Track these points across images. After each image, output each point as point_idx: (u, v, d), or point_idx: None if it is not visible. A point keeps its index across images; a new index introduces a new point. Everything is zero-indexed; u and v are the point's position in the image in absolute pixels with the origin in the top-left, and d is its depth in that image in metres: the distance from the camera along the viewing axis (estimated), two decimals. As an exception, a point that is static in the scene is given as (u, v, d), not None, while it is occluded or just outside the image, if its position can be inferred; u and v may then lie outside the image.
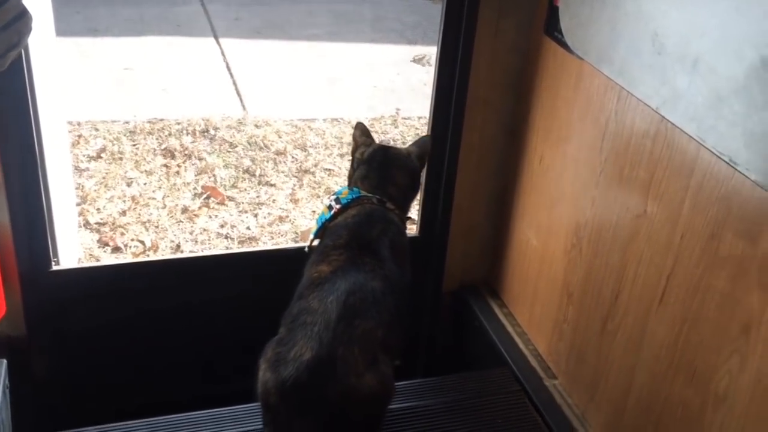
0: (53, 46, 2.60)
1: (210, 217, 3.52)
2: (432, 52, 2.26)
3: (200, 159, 3.93)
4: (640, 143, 1.70)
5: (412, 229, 2.39)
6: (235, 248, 3.32)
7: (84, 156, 3.87)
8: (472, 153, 2.25)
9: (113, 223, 3.40)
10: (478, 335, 2.37)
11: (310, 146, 4.16)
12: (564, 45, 1.90)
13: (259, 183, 3.80)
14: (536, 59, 2.11)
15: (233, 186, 3.75)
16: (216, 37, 5.42)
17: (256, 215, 3.56)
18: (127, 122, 4.21)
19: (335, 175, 3.92)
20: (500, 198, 2.35)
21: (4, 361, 1.97)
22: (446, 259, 2.40)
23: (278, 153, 4.06)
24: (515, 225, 2.31)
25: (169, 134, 4.13)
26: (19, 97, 1.89)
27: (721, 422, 1.50)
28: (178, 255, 3.24)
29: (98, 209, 3.49)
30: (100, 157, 3.88)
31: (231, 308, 2.32)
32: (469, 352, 2.48)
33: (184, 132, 4.15)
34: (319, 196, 3.72)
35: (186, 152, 3.97)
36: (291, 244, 3.15)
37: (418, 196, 2.11)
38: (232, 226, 3.47)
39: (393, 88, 4.99)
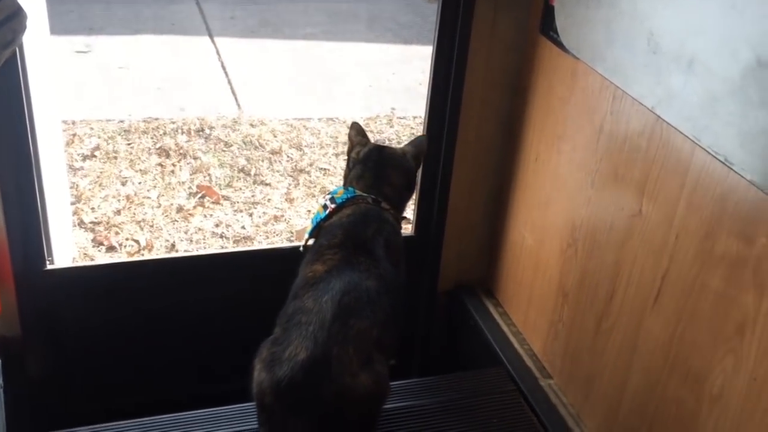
0: (47, 44, 2.59)
1: (205, 216, 3.51)
2: (427, 51, 2.25)
3: (195, 158, 3.93)
4: (635, 143, 1.70)
5: (407, 229, 2.39)
6: (230, 248, 3.31)
7: (78, 155, 3.86)
8: (467, 152, 2.25)
9: (108, 223, 3.40)
10: (474, 335, 2.36)
11: (305, 145, 4.15)
12: (559, 44, 1.90)
13: (255, 182, 3.79)
14: (532, 58, 2.11)
15: (228, 185, 3.75)
16: (211, 36, 5.41)
17: (251, 214, 3.55)
18: (121, 121, 4.20)
19: (330, 174, 3.92)
20: (496, 197, 2.35)
21: (-1, 360, 1.97)
22: (441, 258, 2.40)
23: (273, 152, 4.05)
24: (511, 224, 2.31)
25: (164, 133, 4.12)
26: (13, 95, 1.89)
27: (715, 422, 1.50)
28: (173, 254, 3.23)
29: (93, 208, 3.48)
30: (95, 156, 3.87)
31: (226, 308, 2.32)
32: (465, 351, 2.47)
33: (179, 131, 4.14)
34: (314, 196, 3.72)
35: (181, 151, 3.97)
36: (286, 244, 3.15)
37: (414, 196, 2.11)
38: (227, 226, 3.46)
39: (388, 88, 4.99)
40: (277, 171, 3.90)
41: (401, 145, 2.05)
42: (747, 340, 1.41)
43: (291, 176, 3.87)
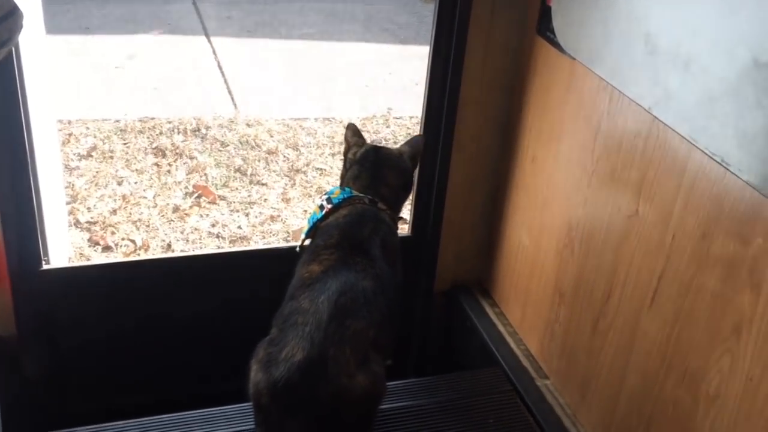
0: (43, 43, 2.59)
1: (201, 216, 3.51)
2: (424, 51, 2.25)
3: (191, 158, 3.92)
4: (632, 143, 1.70)
5: (404, 229, 2.39)
6: (227, 248, 3.31)
7: (74, 154, 3.85)
8: (464, 152, 2.25)
9: (104, 222, 3.39)
10: (470, 335, 2.36)
11: (301, 145, 4.15)
12: (556, 45, 1.90)
13: (251, 182, 3.79)
14: (528, 59, 2.11)
15: (224, 185, 3.74)
16: (207, 36, 5.40)
17: (247, 214, 3.55)
18: (117, 121, 4.19)
19: (327, 174, 3.92)
20: (492, 198, 2.35)
21: (-6, 360, 1.97)
22: (438, 258, 2.40)
23: (270, 152, 4.05)
24: (507, 225, 2.31)
25: (160, 133, 4.11)
26: (9, 95, 1.88)
27: (712, 422, 1.51)
28: (169, 254, 3.23)
29: (89, 208, 3.47)
30: (91, 156, 3.87)
31: (222, 308, 2.31)
32: (461, 351, 2.47)
33: (176, 131, 4.14)
34: (310, 196, 3.72)
35: (177, 151, 3.96)
36: (282, 244, 3.15)
37: (410, 196, 2.11)
38: (224, 226, 3.46)
39: (385, 88, 4.99)
40: (274, 171, 3.90)
41: (398, 146, 2.05)
42: (743, 340, 1.42)
43: (287, 176, 3.86)
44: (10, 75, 1.86)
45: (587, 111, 1.86)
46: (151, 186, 3.67)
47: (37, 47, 2.36)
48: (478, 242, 2.43)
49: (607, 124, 1.79)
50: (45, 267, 2.10)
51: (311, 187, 3.79)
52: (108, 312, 2.22)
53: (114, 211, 3.47)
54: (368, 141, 2.03)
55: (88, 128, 4.10)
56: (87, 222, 3.38)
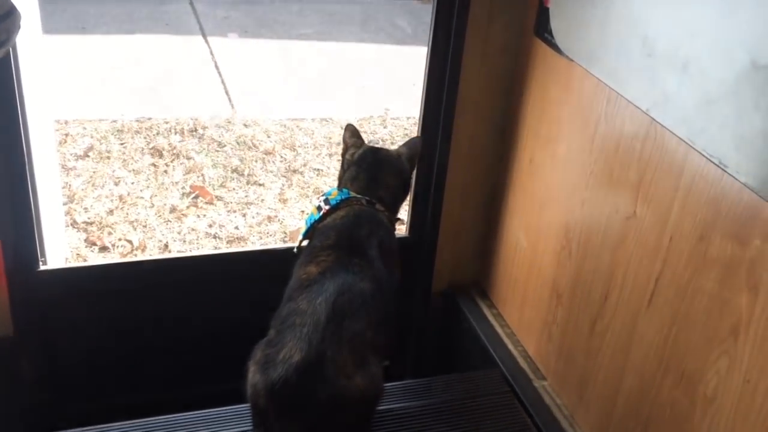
0: (40, 44, 2.58)
1: (198, 216, 3.50)
2: (421, 52, 2.25)
3: (188, 158, 3.92)
4: (629, 145, 1.70)
5: (401, 230, 2.39)
6: (224, 248, 3.31)
7: (71, 155, 3.85)
8: (461, 154, 2.25)
9: (101, 223, 3.39)
10: (468, 336, 2.37)
11: (299, 146, 4.15)
12: (554, 46, 1.90)
13: (248, 182, 3.78)
14: (526, 60, 2.11)
15: (222, 185, 3.74)
16: (204, 36, 5.40)
17: (244, 215, 3.55)
18: (114, 121, 4.19)
19: (324, 175, 3.92)
20: (490, 199, 2.35)
21: (-9, 361, 1.96)
22: (435, 259, 2.40)
23: (267, 152, 4.05)
24: (505, 226, 2.31)
25: (157, 133, 4.11)
26: (6, 95, 1.88)
27: (709, 423, 1.51)
28: (166, 255, 3.22)
29: (85, 208, 3.47)
30: (88, 156, 3.86)
31: (219, 308, 2.31)
32: (458, 353, 2.47)
33: (173, 131, 4.13)
34: (307, 196, 3.71)
35: (174, 151, 3.96)
36: (280, 245, 3.14)
37: (408, 197, 2.11)
38: (221, 226, 3.46)
39: (382, 88, 4.99)
40: (271, 171, 3.89)
41: (395, 146, 2.05)
42: (741, 341, 1.42)
43: (284, 177, 3.86)
44: (8, 75, 1.86)
45: (585, 113, 1.86)
46: (148, 186, 3.67)
47: (34, 47, 2.36)
48: (475, 243, 2.43)
49: (605, 125, 1.79)
50: (42, 267, 2.10)
51: (308, 187, 3.79)
52: (105, 312, 2.21)
53: (111, 212, 3.46)
54: (366, 141, 2.03)
55: (84, 128, 4.09)
56: (84, 222, 3.38)
